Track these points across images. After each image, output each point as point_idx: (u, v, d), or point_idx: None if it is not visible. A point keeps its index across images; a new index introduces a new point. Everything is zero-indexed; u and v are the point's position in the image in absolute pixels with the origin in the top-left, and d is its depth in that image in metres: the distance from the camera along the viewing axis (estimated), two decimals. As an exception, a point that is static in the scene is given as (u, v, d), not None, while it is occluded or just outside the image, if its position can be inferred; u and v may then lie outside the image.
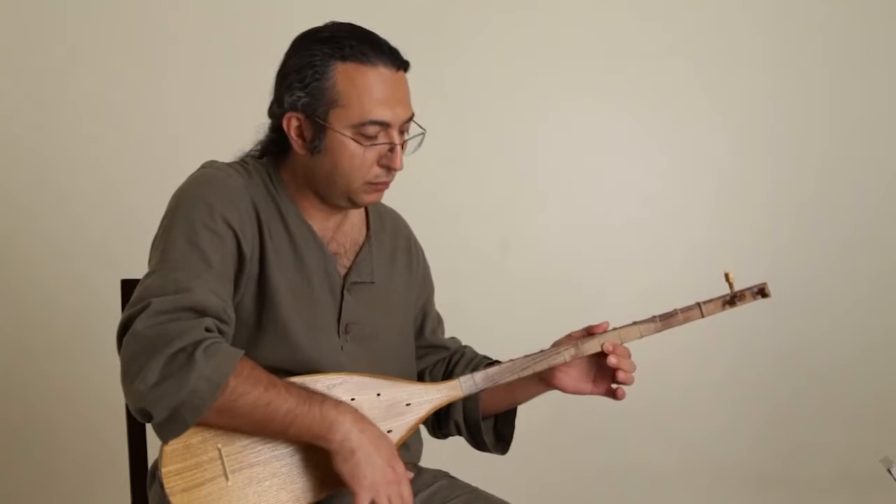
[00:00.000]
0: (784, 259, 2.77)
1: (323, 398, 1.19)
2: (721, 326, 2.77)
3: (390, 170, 1.30)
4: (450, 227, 2.64)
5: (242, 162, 1.35)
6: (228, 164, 1.33)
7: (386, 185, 1.33)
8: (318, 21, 1.35)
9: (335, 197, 1.32)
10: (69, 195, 2.52)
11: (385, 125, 1.27)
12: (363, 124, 1.26)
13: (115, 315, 1.45)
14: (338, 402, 1.19)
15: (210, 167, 1.31)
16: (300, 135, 1.29)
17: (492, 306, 2.66)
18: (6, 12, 2.49)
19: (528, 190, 2.73)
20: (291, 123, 1.29)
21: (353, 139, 1.26)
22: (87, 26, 2.52)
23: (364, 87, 1.26)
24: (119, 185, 2.53)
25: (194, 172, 1.31)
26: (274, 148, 1.35)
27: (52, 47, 2.51)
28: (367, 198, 1.32)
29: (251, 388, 1.14)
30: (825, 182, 2.80)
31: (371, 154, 1.28)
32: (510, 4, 2.69)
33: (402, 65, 1.31)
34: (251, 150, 1.40)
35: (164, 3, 2.55)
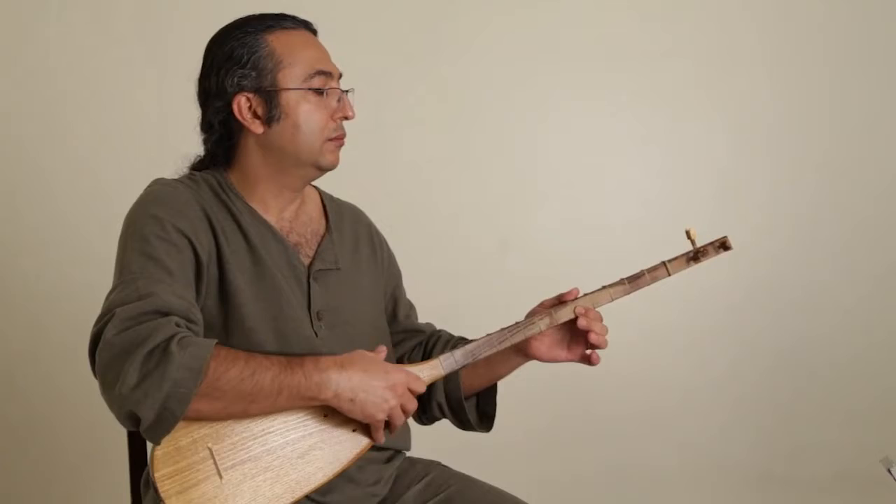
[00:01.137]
0: (784, 259, 2.78)
1: (301, 361, 1.21)
2: (721, 326, 2.78)
3: (343, 121, 1.36)
4: (450, 227, 2.64)
5: (189, 175, 1.37)
6: (175, 179, 1.35)
7: (342, 139, 1.36)
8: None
9: (300, 167, 1.34)
10: (69, 196, 2.53)
11: (328, 75, 1.34)
12: (311, 76, 1.32)
13: (115, 315, 1.46)
14: (316, 361, 1.21)
15: (156, 184, 1.33)
16: (254, 114, 1.32)
17: (492, 306, 2.65)
18: (6, 12, 2.49)
19: (527, 190, 2.73)
20: (242, 105, 1.31)
21: (305, 93, 1.31)
22: (93, 25, 2.52)
23: (299, 46, 1.33)
24: (119, 185, 2.52)
25: (141, 193, 1.33)
26: (221, 149, 1.36)
27: (55, 46, 2.51)
28: (331, 157, 1.35)
29: (232, 364, 1.15)
30: (825, 182, 2.81)
31: (325, 108, 1.33)
32: (510, 5, 2.70)
33: (315, 30, 1.39)
34: (193, 165, 1.42)
35: (164, 3, 2.55)
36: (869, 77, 2.79)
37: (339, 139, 1.35)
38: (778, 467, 2.80)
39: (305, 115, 1.31)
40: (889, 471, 1.57)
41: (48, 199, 2.53)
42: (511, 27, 2.69)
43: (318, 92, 1.32)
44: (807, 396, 2.82)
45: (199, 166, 1.40)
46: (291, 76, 1.31)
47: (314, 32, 1.38)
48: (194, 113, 2.58)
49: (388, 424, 1.27)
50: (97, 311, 1.18)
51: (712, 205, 2.79)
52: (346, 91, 1.37)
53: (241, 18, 1.36)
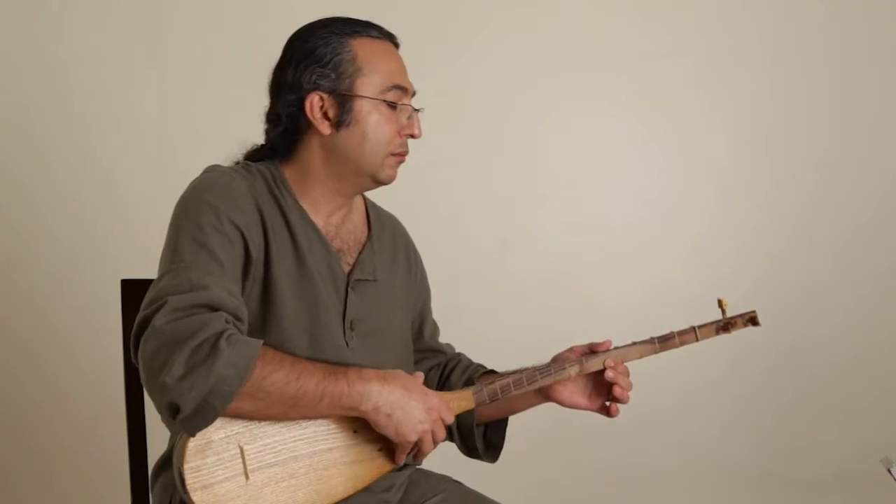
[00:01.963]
0: (784, 259, 2.78)
1: (345, 370, 1.22)
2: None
3: (409, 139, 1.36)
4: (450, 227, 2.64)
5: (244, 165, 1.35)
6: (231, 168, 1.33)
7: (404, 156, 1.37)
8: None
9: (358, 175, 1.34)
10: (69, 195, 2.53)
11: (404, 91, 1.34)
12: (388, 89, 1.32)
13: (115, 315, 1.46)
14: (360, 372, 1.22)
15: (213, 171, 1.31)
16: (324, 114, 1.31)
17: (492, 306, 2.66)
18: (10, 10, 2.49)
19: (527, 190, 2.73)
20: (314, 103, 1.30)
21: (379, 104, 1.31)
22: (93, 25, 2.52)
23: (382, 56, 1.33)
24: (120, 184, 2.53)
25: (197, 177, 1.31)
26: (284, 143, 1.35)
27: (56, 46, 2.51)
28: (390, 171, 1.36)
29: (278, 367, 1.16)
30: (825, 182, 2.81)
31: (394, 122, 1.33)
32: (510, 5, 2.70)
33: (398, 43, 1.39)
34: (248, 154, 1.40)
35: (164, 3, 2.55)
36: (869, 77, 2.79)
37: (401, 155, 1.36)
38: (778, 467, 2.80)
39: (375, 125, 1.31)
40: (889, 471, 1.57)
41: (50, 198, 2.53)
42: (511, 27, 2.69)
43: (391, 105, 1.32)
44: (807, 396, 2.82)
45: (253, 156, 1.39)
46: (369, 84, 1.31)
47: (397, 45, 1.38)
48: (194, 113, 2.59)
49: (414, 448, 1.28)
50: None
51: (712, 205, 2.79)
52: (418, 110, 1.36)
53: (329, 18, 1.35)
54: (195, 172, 1.34)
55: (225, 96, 2.50)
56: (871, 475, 2.06)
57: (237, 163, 1.38)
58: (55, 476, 2.56)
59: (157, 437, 1.36)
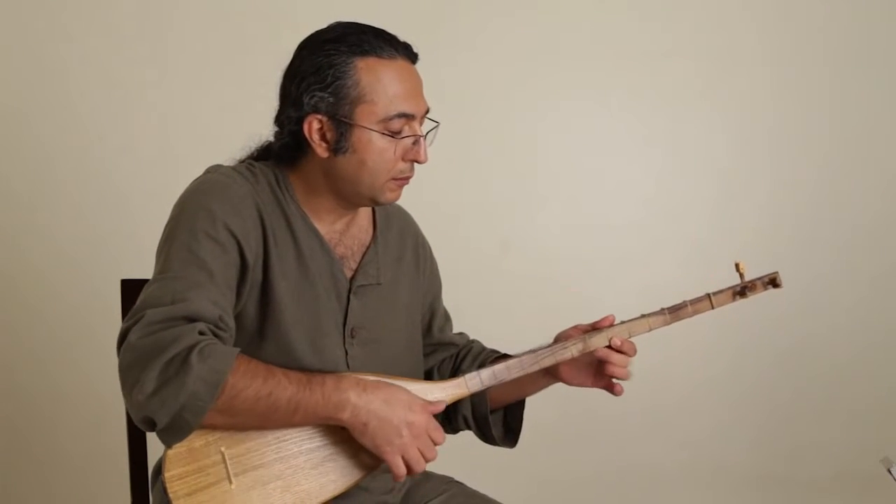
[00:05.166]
0: (784, 259, 2.76)
1: (323, 379, 1.19)
2: (721, 325, 2.77)
3: (413, 164, 1.30)
4: (450, 228, 2.64)
5: (248, 165, 1.33)
6: (233, 168, 1.30)
7: (408, 180, 1.32)
8: (321, 22, 1.34)
9: (358, 197, 1.31)
10: (70, 195, 2.53)
11: (410, 117, 1.27)
12: (390, 118, 1.25)
13: (115, 315, 1.46)
14: (338, 380, 1.20)
15: (215, 172, 1.29)
16: (322, 137, 1.27)
17: (492, 306, 2.66)
18: (9, 11, 2.49)
19: (528, 190, 2.73)
20: (313, 126, 1.26)
21: (380, 134, 1.25)
22: (92, 25, 2.52)
23: (388, 81, 1.26)
24: (120, 185, 2.53)
25: (198, 178, 1.29)
26: (287, 154, 1.32)
27: (56, 46, 2.51)
28: (391, 195, 1.31)
29: (250, 382, 1.14)
30: (825, 182, 2.81)
31: (396, 149, 1.27)
32: (510, 5, 2.69)
33: (415, 57, 1.32)
34: (254, 153, 1.38)
35: (167, 2, 2.55)
36: (869, 77, 2.79)
37: (404, 179, 1.31)
38: (778, 467, 2.80)
39: (375, 153, 1.26)
40: (889, 471, 1.57)
41: (50, 198, 2.53)
42: (511, 27, 2.69)
43: (394, 134, 1.26)
44: (807, 396, 2.82)
45: (263, 154, 1.36)
46: (370, 113, 1.25)
47: (414, 58, 1.32)
48: (194, 113, 2.58)
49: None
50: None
51: (712, 205, 2.79)
52: (430, 131, 1.31)
53: (339, 29, 1.29)
54: (195, 172, 1.33)
55: (225, 96, 2.50)
56: (871, 475, 2.06)
57: (242, 161, 1.36)
58: (55, 476, 2.56)
59: (161, 442, 1.37)
